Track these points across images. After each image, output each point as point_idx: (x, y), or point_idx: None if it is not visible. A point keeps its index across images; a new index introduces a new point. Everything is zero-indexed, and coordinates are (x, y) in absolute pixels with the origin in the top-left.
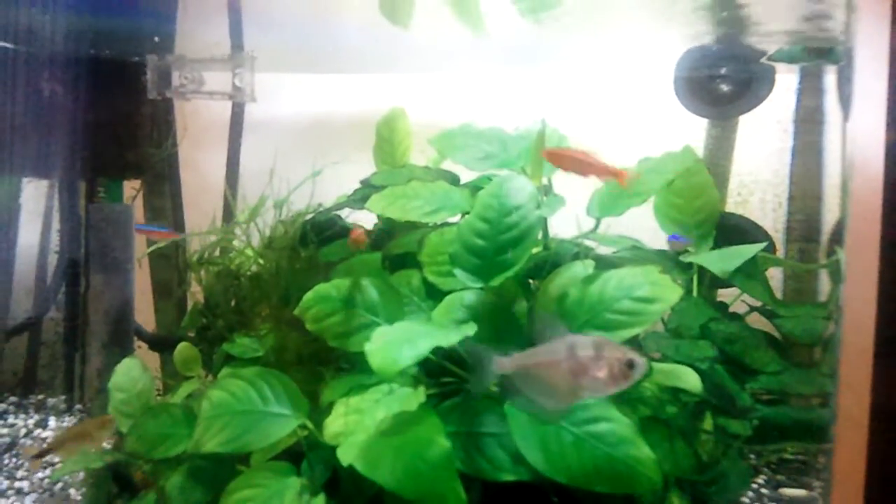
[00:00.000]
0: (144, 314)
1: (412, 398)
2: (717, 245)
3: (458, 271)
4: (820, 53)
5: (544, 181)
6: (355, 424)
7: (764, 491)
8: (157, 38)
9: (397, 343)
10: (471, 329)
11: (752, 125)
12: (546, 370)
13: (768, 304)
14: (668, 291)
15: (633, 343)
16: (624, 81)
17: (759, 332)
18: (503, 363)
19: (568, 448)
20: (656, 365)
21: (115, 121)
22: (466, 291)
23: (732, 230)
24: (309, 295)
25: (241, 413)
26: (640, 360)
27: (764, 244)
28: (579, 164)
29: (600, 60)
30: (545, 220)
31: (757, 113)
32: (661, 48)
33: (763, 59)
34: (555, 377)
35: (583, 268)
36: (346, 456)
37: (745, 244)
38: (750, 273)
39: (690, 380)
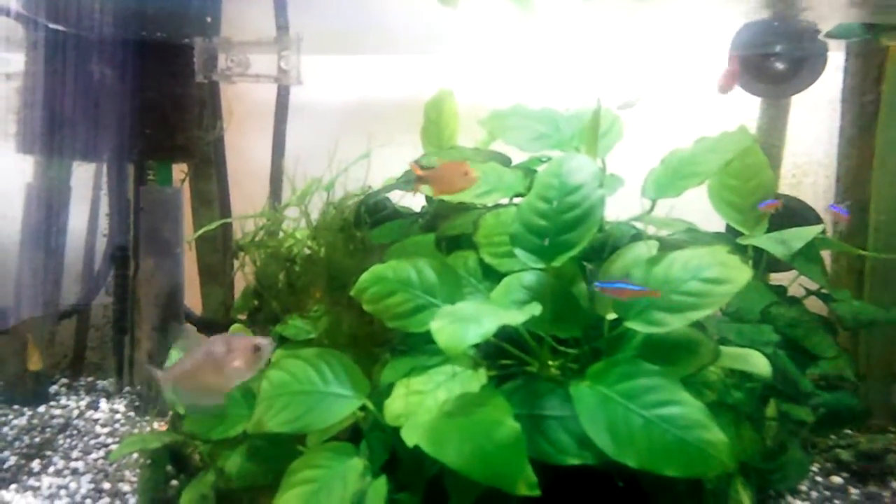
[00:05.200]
0: (191, 297)
1: (474, 380)
2: (771, 227)
3: (518, 251)
4: None
5: (598, 162)
6: (417, 405)
7: (819, 479)
8: (207, 19)
9: (463, 322)
10: (536, 309)
11: (804, 104)
12: (193, 374)
13: (825, 288)
14: (737, 272)
15: (698, 326)
16: (678, 59)
17: (818, 316)
18: (166, 377)
19: (637, 431)
20: (724, 349)
21: (164, 104)
22: (526, 272)
23: (785, 212)
24: (366, 276)
25: (301, 393)
26: (266, 342)
27: (821, 226)
28: None
29: (653, 38)
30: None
31: (810, 92)
32: (717, 25)
33: (819, 36)
34: (201, 377)
35: (646, 248)
36: (411, 436)
37: (798, 227)
38: (809, 256)
39: (760, 364)
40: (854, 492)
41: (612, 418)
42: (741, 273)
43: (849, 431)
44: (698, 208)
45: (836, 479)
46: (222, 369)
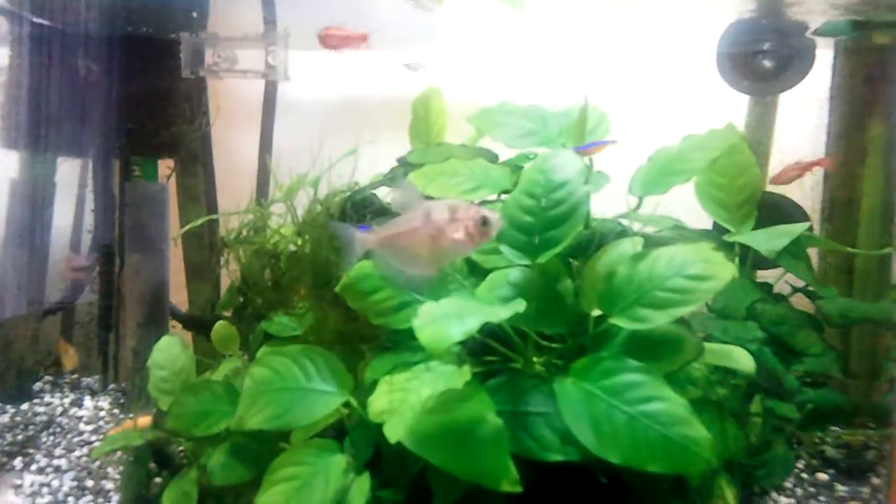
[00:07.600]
0: (177, 294)
1: (457, 376)
2: (758, 225)
3: (504, 248)
4: None
5: (585, 160)
6: (400, 402)
7: (804, 476)
8: (194, 14)
9: (446, 319)
10: (520, 305)
11: (792, 102)
12: (407, 239)
13: (811, 285)
14: (721, 269)
15: (681, 323)
16: (666, 57)
17: (804, 313)
18: (367, 240)
19: (620, 428)
20: (709, 345)
21: (150, 99)
22: (511, 269)
23: (771, 210)
24: (351, 272)
25: (284, 390)
26: (494, 217)
27: (807, 224)
28: None
29: (642, 36)
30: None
31: (797, 89)
32: (706, 22)
33: (807, 34)
34: (416, 244)
35: (631, 245)
36: (394, 433)
37: (785, 224)
38: (795, 253)
39: (743, 361)
40: (841, 488)
41: (596, 415)
42: (725, 270)
43: (836, 428)
44: (686, 206)
45: (822, 476)
46: (441, 238)
